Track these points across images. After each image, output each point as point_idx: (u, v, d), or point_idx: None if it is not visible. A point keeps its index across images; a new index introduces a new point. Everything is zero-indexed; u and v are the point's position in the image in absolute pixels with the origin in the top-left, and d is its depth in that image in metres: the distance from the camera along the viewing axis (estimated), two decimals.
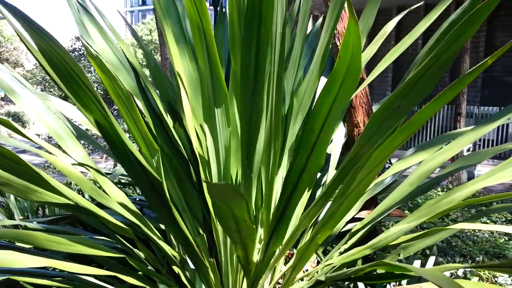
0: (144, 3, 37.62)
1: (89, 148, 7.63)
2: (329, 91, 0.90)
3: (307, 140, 0.99)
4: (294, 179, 1.11)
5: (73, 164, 1.62)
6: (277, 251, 1.57)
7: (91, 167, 1.64)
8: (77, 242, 1.22)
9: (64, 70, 1.02)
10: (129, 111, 1.51)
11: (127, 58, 1.63)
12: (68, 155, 1.63)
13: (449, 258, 2.35)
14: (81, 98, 1.08)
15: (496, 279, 2.20)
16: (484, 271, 2.25)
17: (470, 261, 2.37)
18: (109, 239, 1.94)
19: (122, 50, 1.63)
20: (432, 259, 1.77)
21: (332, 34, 1.60)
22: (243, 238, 1.26)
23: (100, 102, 1.08)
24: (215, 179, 1.56)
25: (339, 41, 2.19)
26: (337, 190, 1.50)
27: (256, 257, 1.61)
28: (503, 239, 2.80)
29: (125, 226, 1.52)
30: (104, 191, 1.57)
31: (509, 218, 3.27)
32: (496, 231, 2.91)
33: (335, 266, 1.53)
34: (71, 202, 1.44)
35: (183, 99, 1.69)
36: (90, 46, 1.66)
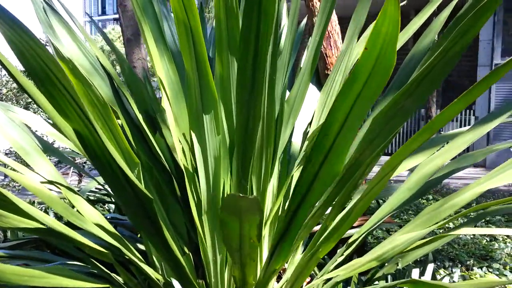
0: (104, 13, 36.70)
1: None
2: (349, 88, 0.80)
3: (321, 145, 0.88)
4: (303, 189, 0.99)
5: (42, 182, 1.45)
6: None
7: (62, 185, 1.47)
8: (53, 273, 1.05)
9: (39, 69, 0.86)
10: (105, 120, 1.36)
11: (100, 63, 1.48)
12: (36, 172, 1.45)
13: (438, 263, 2.30)
14: (59, 104, 0.92)
15: None
16: (476, 275, 2.21)
17: (460, 265, 2.33)
18: (82, 264, 1.76)
19: (96, 55, 1.48)
20: (430, 267, 1.70)
21: (324, 34, 1.51)
22: (243, 257, 1.13)
23: (82, 109, 0.92)
24: (203, 192, 1.42)
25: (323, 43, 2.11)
26: (337, 199, 1.40)
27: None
28: (485, 240, 2.80)
29: (104, 250, 1.36)
30: (77, 211, 1.40)
31: (487, 219, 3.30)
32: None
33: (336, 281, 1.43)
34: (42, 226, 1.26)
35: (165, 106, 1.55)
36: (58, 49, 1.50)
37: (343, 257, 1.65)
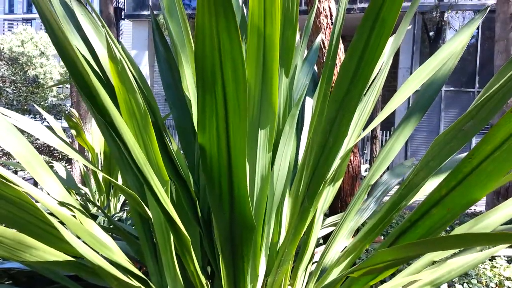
0: (11, 12, 33.65)
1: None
2: None
3: (459, 169, 0.82)
4: (415, 216, 0.92)
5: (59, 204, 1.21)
6: None
7: (75, 207, 1.25)
8: None
9: (210, 71, 0.69)
10: (141, 132, 1.18)
11: (129, 68, 1.29)
12: (46, 191, 1.20)
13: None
14: (205, 114, 0.74)
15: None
16: None
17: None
18: None
19: (124, 59, 1.28)
20: (444, 286, 1.72)
21: (335, 57, 1.48)
22: None
23: (228, 123, 0.76)
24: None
25: (322, 51, 2.09)
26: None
27: None
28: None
29: (135, 283, 1.17)
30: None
31: None
32: None
33: None
34: (73, 259, 1.04)
35: (195, 116, 1.40)
36: (112, 46, 1.27)
37: None
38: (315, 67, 2.24)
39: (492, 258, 2.81)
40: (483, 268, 2.65)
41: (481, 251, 1.53)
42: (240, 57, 0.67)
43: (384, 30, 0.90)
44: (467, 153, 1.46)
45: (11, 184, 0.78)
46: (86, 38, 1.32)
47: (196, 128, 1.33)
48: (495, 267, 2.66)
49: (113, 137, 1.19)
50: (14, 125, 1.22)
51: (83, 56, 1.29)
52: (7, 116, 1.30)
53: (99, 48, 1.23)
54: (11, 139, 1.17)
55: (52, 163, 3.87)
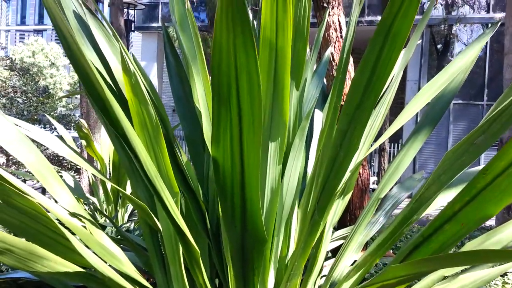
0: (23, 23, 34.23)
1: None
2: None
3: (473, 184, 0.81)
4: (429, 231, 0.91)
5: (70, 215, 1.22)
6: None
7: (85, 218, 1.25)
8: None
9: (225, 85, 0.70)
10: (153, 144, 1.19)
11: (142, 81, 1.30)
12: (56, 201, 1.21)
13: None
14: (219, 128, 0.75)
15: None
16: None
17: None
18: None
19: (137, 72, 1.30)
20: None
21: (346, 71, 1.47)
22: None
23: (242, 137, 0.76)
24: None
25: (331, 64, 2.09)
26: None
27: None
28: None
29: None
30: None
31: None
32: None
33: None
34: (83, 270, 1.04)
35: (205, 128, 1.40)
36: (125, 59, 1.29)
37: None
38: (324, 80, 2.25)
39: (504, 274, 2.76)
40: (494, 284, 2.61)
41: (493, 266, 1.51)
42: (256, 73, 0.67)
43: (396, 44, 0.90)
44: (478, 167, 1.45)
45: (25, 195, 0.78)
46: (98, 50, 1.34)
47: (206, 140, 1.33)
48: (507, 283, 2.61)
49: (125, 148, 1.20)
50: (27, 136, 1.23)
51: (97, 69, 1.31)
52: (19, 126, 1.31)
53: (112, 61, 1.24)
54: (24, 149, 1.18)
55: (61, 172, 3.90)
